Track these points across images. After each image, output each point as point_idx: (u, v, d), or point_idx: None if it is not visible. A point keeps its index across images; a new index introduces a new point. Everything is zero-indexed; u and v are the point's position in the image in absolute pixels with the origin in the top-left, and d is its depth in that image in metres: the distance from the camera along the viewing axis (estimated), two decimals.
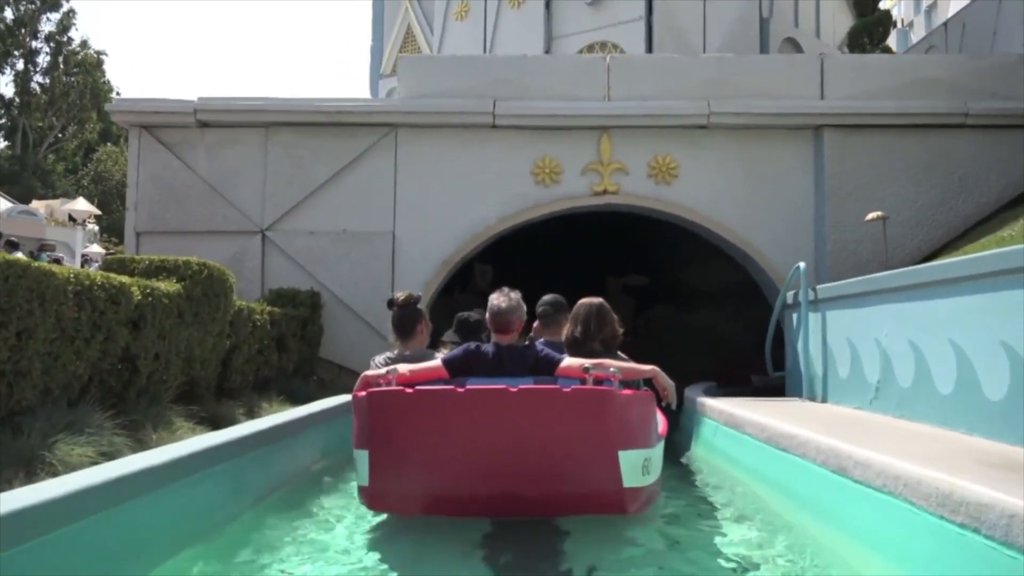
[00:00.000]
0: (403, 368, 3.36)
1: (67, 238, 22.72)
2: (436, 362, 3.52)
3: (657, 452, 3.59)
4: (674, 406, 3.76)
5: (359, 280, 8.23)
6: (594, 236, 11.25)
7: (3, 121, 37.86)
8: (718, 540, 3.29)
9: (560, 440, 2.95)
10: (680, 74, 8.56)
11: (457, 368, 3.41)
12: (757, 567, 2.87)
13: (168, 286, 4.96)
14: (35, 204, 26.48)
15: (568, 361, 3.41)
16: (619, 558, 3.04)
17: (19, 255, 7.57)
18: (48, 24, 37.31)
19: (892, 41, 19.07)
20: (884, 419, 4.67)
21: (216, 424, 4.81)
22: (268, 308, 6.82)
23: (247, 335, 6.11)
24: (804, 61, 9.46)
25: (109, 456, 3.42)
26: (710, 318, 11.68)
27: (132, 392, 4.51)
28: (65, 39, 37.51)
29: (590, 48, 14.69)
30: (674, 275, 12.57)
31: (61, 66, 37.15)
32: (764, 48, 15.16)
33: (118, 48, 75.12)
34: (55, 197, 30.50)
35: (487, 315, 3.57)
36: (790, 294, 6.95)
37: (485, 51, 15.72)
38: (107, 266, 5.50)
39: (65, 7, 37.41)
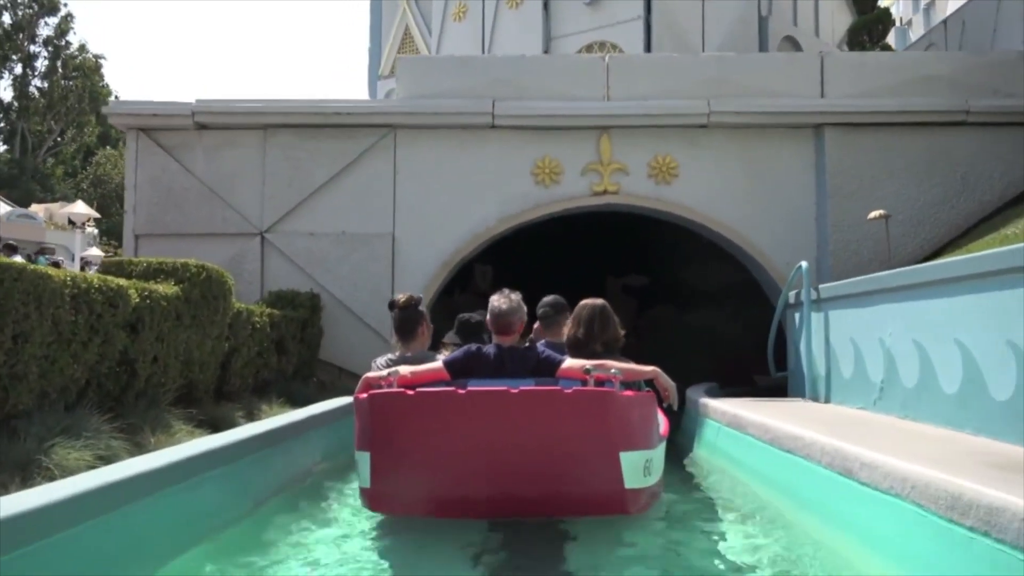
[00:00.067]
0: (404, 370, 3.37)
1: (66, 241, 22.69)
2: (437, 364, 3.53)
3: (659, 453, 3.60)
4: (675, 407, 3.77)
5: (359, 282, 8.20)
6: (594, 236, 11.22)
7: (2, 125, 37.87)
8: (721, 542, 3.27)
9: (561, 441, 2.95)
10: (680, 73, 8.53)
11: (458, 370, 3.42)
12: (760, 569, 2.84)
13: (166, 288, 4.93)
14: (34, 208, 26.48)
15: (569, 362, 3.42)
16: (620, 559, 3.03)
17: (17, 259, 7.54)
18: (46, 28, 37.35)
19: (890, 39, 19.05)
20: (888, 419, 4.63)
21: (215, 427, 4.78)
22: (267, 310, 6.79)
23: (246, 337, 6.08)
24: (804, 59, 9.43)
25: (107, 460, 3.39)
26: (711, 318, 11.65)
27: (130, 395, 4.48)
28: (63, 43, 37.52)
29: (588, 48, 14.67)
30: (674, 275, 12.53)
31: (59, 70, 37.16)
32: (763, 47, 15.14)
33: (116, 51, 75.23)
34: (54, 201, 30.49)
35: (488, 317, 3.57)
36: (792, 294, 6.92)
37: (483, 52, 15.69)
38: (105, 269, 5.47)
39: (63, 11, 37.44)
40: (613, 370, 3.19)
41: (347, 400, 5.47)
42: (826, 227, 8.08)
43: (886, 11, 18.59)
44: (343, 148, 8.34)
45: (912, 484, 2.56)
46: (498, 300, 3.51)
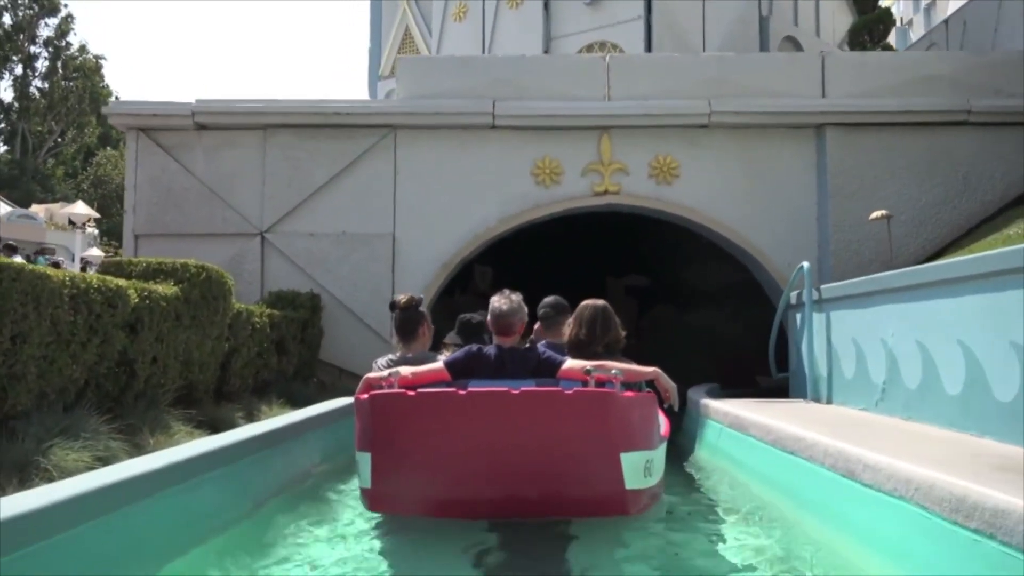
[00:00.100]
0: (405, 370, 3.37)
1: (66, 242, 22.70)
2: (438, 364, 3.53)
3: (659, 454, 3.60)
4: (676, 408, 3.77)
5: (359, 282, 8.19)
6: (594, 237, 11.20)
7: (2, 126, 37.88)
8: (722, 543, 3.25)
9: (562, 442, 2.95)
10: (680, 73, 8.51)
11: (459, 370, 3.43)
12: (762, 571, 2.82)
13: (166, 289, 4.92)
14: (35, 208, 26.49)
15: (570, 363, 3.43)
16: (621, 559, 3.03)
17: (17, 259, 7.53)
18: (47, 29, 37.37)
19: (891, 39, 19.03)
20: (891, 421, 4.61)
21: (215, 428, 4.76)
22: (267, 311, 6.78)
23: (246, 338, 6.07)
24: (805, 59, 9.42)
25: (105, 461, 3.38)
26: (711, 319, 11.63)
27: (129, 396, 4.46)
28: (64, 44, 37.55)
29: (589, 48, 14.65)
30: (675, 276, 12.51)
31: (60, 71, 37.19)
32: (764, 47, 15.12)
33: (117, 52, 75.26)
34: (55, 201, 30.50)
35: (488, 318, 3.57)
36: (793, 294, 6.90)
37: (484, 52, 15.68)
38: (104, 269, 5.45)
39: (63, 12, 37.46)
40: (614, 371, 3.18)
41: (347, 401, 5.45)
42: (827, 227, 8.06)
43: (887, 11, 18.57)
44: (343, 148, 8.33)
45: (916, 486, 2.54)
46: (499, 301, 3.51)
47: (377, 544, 3.15)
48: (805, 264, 6.50)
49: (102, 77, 39.70)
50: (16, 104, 36.98)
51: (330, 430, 4.97)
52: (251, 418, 5.44)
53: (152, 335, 4.61)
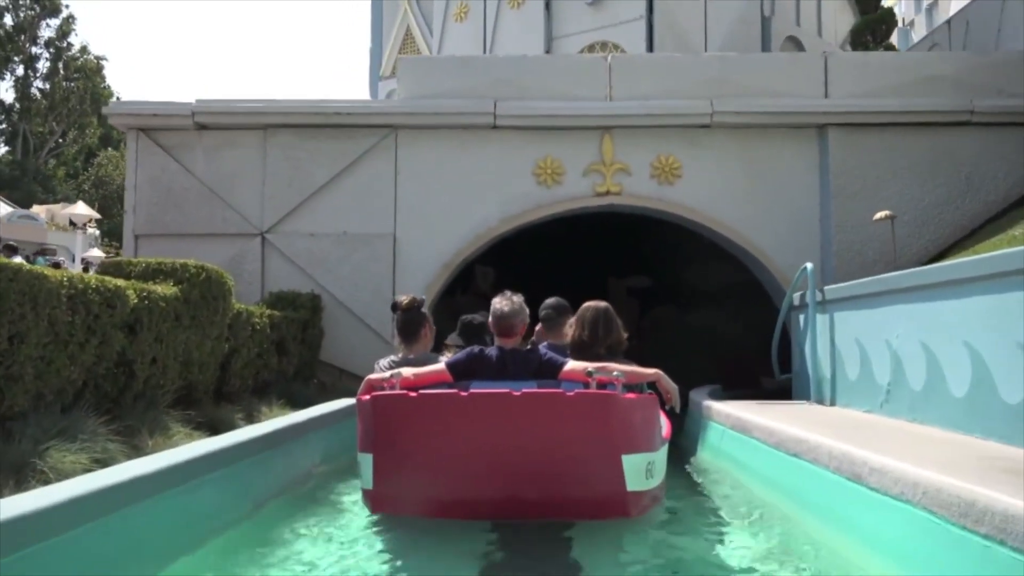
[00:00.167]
0: (407, 372, 3.39)
1: (67, 242, 22.71)
2: (440, 366, 3.54)
3: (661, 455, 3.61)
4: (677, 410, 3.77)
5: (360, 282, 8.16)
6: (596, 237, 11.17)
7: (3, 126, 37.90)
8: (724, 544, 3.23)
9: (563, 443, 2.96)
10: (682, 73, 8.48)
11: (461, 372, 3.43)
12: (764, 573, 2.79)
13: (165, 289, 4.89)
14: (36, 209, 26.49)
15: (571, 364, 3.43)
16: (622, 561, 3.02)
17: (18, 259, 7.51)
18: (48, 30, 37.39)
19: (893, 40, 18.99)
20: (896, 423, 4.58)
21: (215, 429, 4.73)
22: (268, 311, 6.75)
23: (246, 338, 6.04)
24: (807, 59, 9.38)
25: (103, 463, 3.35)
26: (713, 319, 11.60)
27: (128, 397, 4.43)
28: (65, 45, 37.57)
29: (590, 48, 14.62)
30: (677, 276, 12.48)
31: (61, 71, 37.22)
32: (766, 47, 15.08)
33: (118, 53, 75.29)
34: (56, 202, 30.52)
35: (490, 319, 3.57)
36: (797, 295, 6.86)
37: (485, 52, 15.66)
38: (103, 269, 5.42)
39: (65, 13, 37.47)
40: (615, 373, 3.19)
41: (347, 402, 5.44)
42: (830, 228, 8.03)
43: (889, 11, 18.52)
44: (344, 148, 8.30)
45: (923, 490, 2.50)
46: (500, 302, 3.52)
47: (379, 545, 3.15)
48: (808, 265, 6.47)
49: (103, 78, 39.73)
50: (17, 105, 37.00)
51: (331, 431, 4.95)
52: (251, 419, 5.41)
53: (151, 335, 4.58)
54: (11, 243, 13.92)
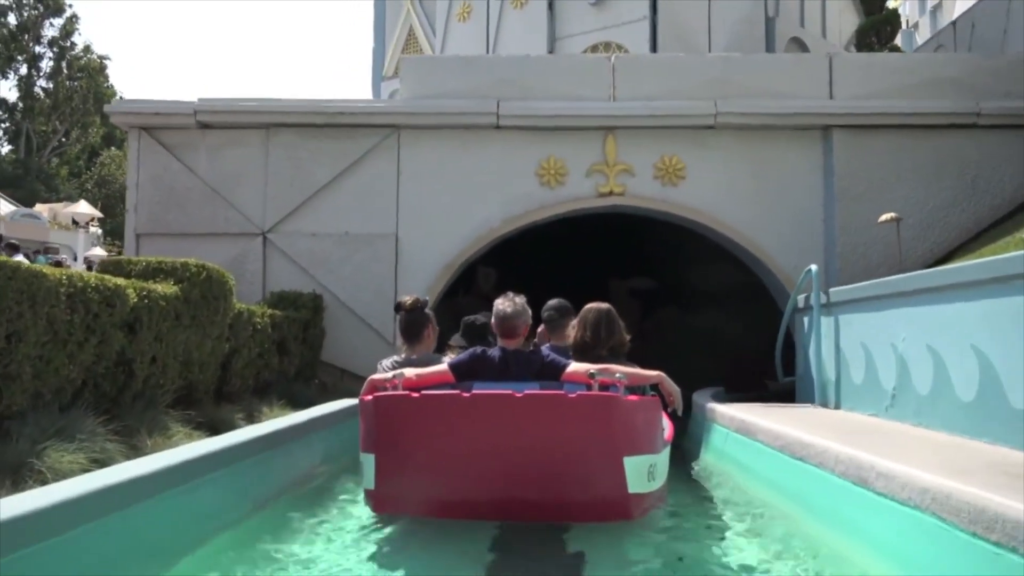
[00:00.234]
0: (410, 372, 3.41)
1: (70, 241, 22.74)
2: (442, 366, 3.56)
3: (663, 458, 3.62)
4: (680, 412, 3.78)
5: (361, 282, 8.13)
6: (599, 238, 11.13)
7: (7, 125, 37.98)
8: (727, 548, 3.20)
9: (565, 445, 2.97)
10: (686, 74, 8.45)
11: (463, 372, 3.45)
12: None
13: (165, 288, 4.86)
14: (38, 208, 26.53)
15: (574, 366, 3.44)
16: (622, 562, 3.01)
17: (20, 258, 7.49)
18: (51, 29, 37.48)
19: (897, 42, 18.92)
20: (901, 427, 4.53)
21: (215, 429, 4.71)
22: (269, 311, 6.72)
23: (247, 338, 6.01)
24: (812, 60, 9.34)
25: (101, 463, 3.32)
26: (716, 321, 11.55)
27: (127, 396, 4.40)
28: (68, 44, 37.64)
29: (594, 49, 14.59)
30: (679, 278, 12.44)
31: (64, 71, 37.29)
32: (770, 48, 15.03)
33: (121, 52, 75.56)
34: (58, 201, 30.56)
35: (492, 320, 3.58)
36: (801, 297, 6.82)
37: (488, 52, 15.62)
38: (103, 268, 5.39)
39: (68, 12, 37.55)
40: (618, 374, 3.19)
41: (349, 402, 5.42)
42: (834, 230, 7.99)
43: (894, 12, 18.42)
44: (346, 148, 8.27)
45: (932, 495, 2.46)
46: (503, 303, 3.53)
47: (380, 545, 3.15)
48: (813, 267, 6.42)
49: (106, 77, 39.78)
50: (21, 104, 37.08)
51: (332, 431, 4.92)
52: (251, 419, 5.39)
53: (151, 335, 4.56)
54: (13, 241, 13.92)
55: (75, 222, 23.12)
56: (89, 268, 14.64)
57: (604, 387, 3.13)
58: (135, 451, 3.73)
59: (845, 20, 18.43)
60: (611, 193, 8.27)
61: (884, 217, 7.12)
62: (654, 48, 13.95)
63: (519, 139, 8.29)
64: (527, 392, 2.96)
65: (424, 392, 3.09)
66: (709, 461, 5.39)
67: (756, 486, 4.26)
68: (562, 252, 10.89)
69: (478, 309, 4.71)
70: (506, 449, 2.93)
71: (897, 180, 8.01)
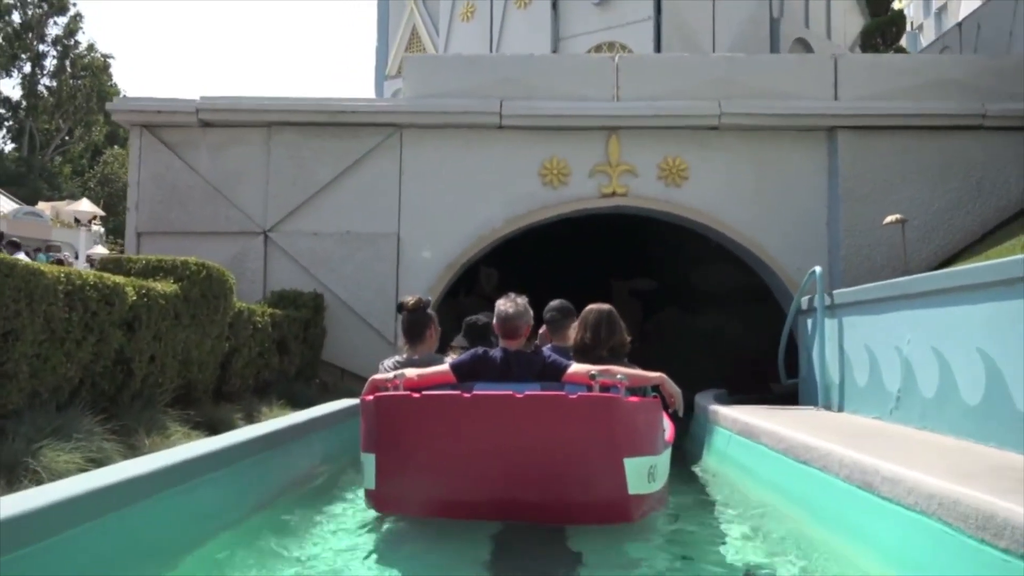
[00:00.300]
0: (411, 372, 3.42)
1: (72, 239, 22.73)
2: (444, 367, 3.56)
3: (663, 459, 3.62)
4: (681, 413, 3.78)
5: (363, 282, 8.10)
6: (601, 239, 11.09)
7: (10, 123, 38.02)
8: (728, 550, 3.19)
9: (566, 446, 2.97)
10: (690, 74, 8.41)
11: (465, 373, 3.46)
12: None
13: (165, 286, 4.83)
14: (41, 205, 26.54)
15: (575, 367, 3.44)
16: (623, 562, 3.00)
17: (21, 256, 7.48)
18: (55, 28, 37.53)
19: (903, 43, 18.84)
20: (906, 430, 4.49)
21: (213, 429, 4.68)
22: (269, 310, 6.69)
23: (247, 337, 5.98)
24: (817, 61, 9.30)
25: (98, 463, 3.30)
26: (718, 322, 11.51)
27: (126, 396, 4.38)
28: (72, 43, 37.68)
29: (598, 48, 14.54)
30: (681, 278, 12.39)
31: (68, 69, 37.34)
32: (774, 49, 14.96)
33: (125, 50, 75.62)
34: (61, 199, 30.57)
35: (494, 321, 3.58)
36: (804, 299, 6.78)
37: (491, 52, 15.58)
38: (102, 266, 5.36)
39: (72, 11, 37.58)
40: (619, 375, 3.19)
41: (349, 402, 5.40)
42: (838, 231, 7.94)
43: (900, 13, 18.36)
44: (348, 147, 8.24)
45: (939, 501, 2.43)
46: (504, 304, 3.53)
47: (381, 545, 3.15)
48: (817, 269, 6.38)
49: (110, 76, 39.80)
50: (24, 102, 37.13)
51: (332, 432, 4.90)
52: (250, 419, 5.36)
53: (150, 333, 4.53)
54: (15, 239, 13.92)
55: (77, 220, 23.11)
56: (91, 266, 14.63)
57: (605, 388, 3.13)
58: (133, 451, 3.70)
59: (850, 21, 18.35)
60: (614, 193, 8.23)
61: (889, 219, 7.07)
62: (658, 48, 13.90)
63: (522, 139, 8.26)
64: (528, 393, 2.96)
65: (425, 392, 3.09)
66: (711, 463, 5.36)
67: (759, 488, 4.23)
68: (564, 252, 10.86)
69: (480, 309, 4.71)
70: (507, 450, 2.93)
71: (902, 182, 7.97)
